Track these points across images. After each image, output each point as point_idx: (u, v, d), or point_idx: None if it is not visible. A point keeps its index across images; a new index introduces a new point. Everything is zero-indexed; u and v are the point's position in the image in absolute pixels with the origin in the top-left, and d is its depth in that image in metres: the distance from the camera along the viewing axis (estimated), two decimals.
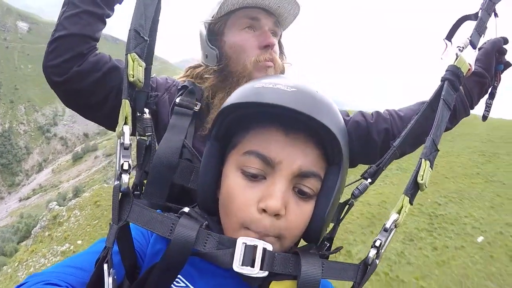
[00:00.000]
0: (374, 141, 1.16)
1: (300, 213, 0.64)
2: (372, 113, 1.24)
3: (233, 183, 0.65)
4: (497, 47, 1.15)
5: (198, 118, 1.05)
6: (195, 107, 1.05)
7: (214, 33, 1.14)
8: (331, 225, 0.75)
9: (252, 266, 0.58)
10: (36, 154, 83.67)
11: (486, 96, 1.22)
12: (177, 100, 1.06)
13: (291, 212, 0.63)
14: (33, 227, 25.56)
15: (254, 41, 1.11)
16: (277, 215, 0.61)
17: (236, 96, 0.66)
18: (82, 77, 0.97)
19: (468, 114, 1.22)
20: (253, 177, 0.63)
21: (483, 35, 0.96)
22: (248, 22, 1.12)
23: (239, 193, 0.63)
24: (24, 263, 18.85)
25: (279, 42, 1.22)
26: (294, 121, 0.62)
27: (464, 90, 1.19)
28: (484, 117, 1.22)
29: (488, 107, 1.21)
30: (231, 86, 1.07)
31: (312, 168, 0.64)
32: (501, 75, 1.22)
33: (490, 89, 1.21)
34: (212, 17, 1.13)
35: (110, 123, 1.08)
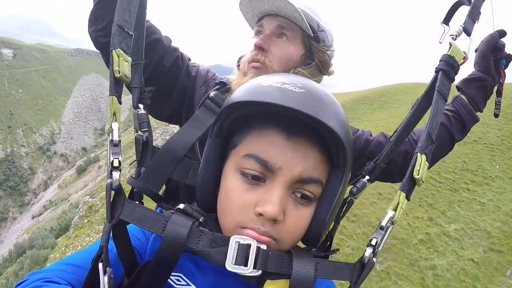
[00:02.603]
0: (395, 162, 1.16)
1: (299, 218, 0.63)
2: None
3: (232, 185, 0.63)
4: (492, 45, 1.12)
5: None
6: None
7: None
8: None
9: (246, 265, 0.57)
10: (41, 173, 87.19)
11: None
12: (211, 94, 1.05)
13: (289, 217, 0.62)
14: (66, 224, 29.80)
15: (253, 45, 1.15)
16: (274, 220, 0.60)
17: (242, 93, 0.64)
18: None
19: (477, 120, 1.22)
20: (252, 181, 0.62)
21: (477, 21, 0.91)
22: (257, 29, 1.18)
23: (237, 195, 0.62)
24: (71, 246, 23.03)
25: (310, 47, 1.16)
26: (298, 122, 0.60)
27: (468, 98, 1.20)
28: (496, 115, 1.19)
29: (497, 104, 1.19)
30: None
31: (313, 174, 0.62)
32: (505, 70, 1.18)
33: (496, 87, 1.19)
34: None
35: None
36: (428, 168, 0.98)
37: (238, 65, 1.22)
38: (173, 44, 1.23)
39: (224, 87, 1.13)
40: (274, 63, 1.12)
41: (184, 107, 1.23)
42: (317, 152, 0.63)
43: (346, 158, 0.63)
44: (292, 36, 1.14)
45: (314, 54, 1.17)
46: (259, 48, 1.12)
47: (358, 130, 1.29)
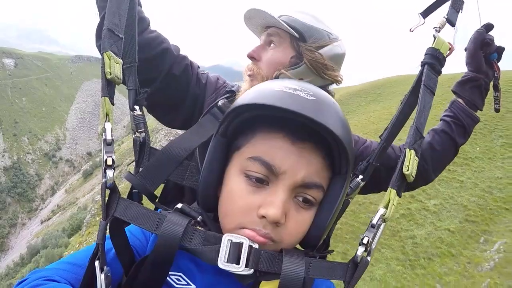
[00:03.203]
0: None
1: (300, 222, 0.64)
2: (399, 146, 1.25)
3: (236, 187, 0.64)
4: (479, 41, 1.11)
5: None
6: None
7: None
8: None
9: (238, 263, 0.58)
10: (47, 179, 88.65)
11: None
12: (220, 102, 1.07)
13: (290, 220, 0.62)
14: (77, 224, 30.98)
15: None
16: (276, 223, 0.61)
17: (255, 95, 0.64)
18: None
19: (477, 121, 1.22)
20: (256, 183, 0.62)
21: (460, 10, 0.90)
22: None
23: (241, 197, 0.63)
24: (84, 242, 24.03)
25: (298, 47, 1.17)
26: (305, 128, 0.61)
27: (465, 101, 1.20)
28: (496, 110, 1.18)
29: (496, 99, 1.17)
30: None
31: (316, 179, 0.63)
32: (498, 64, 1.15)
33: (492, 82, 1.17)
34: None
35: (152, 104, 1.14)
36: (436, 176, 1.21)
37: None
38: (181, 52, 1.25)
39: (233, 96, 1.15)
40: (262, 69, 1.17)
41: (195, 115, 1.24)
42: (320, 158, 0.64)
43: (349, 166, 0.64)
44: (279, 41, 1.18)
45: (302, 54, 1.17)
46: (250, 57, 1.20)
47: (366, 140, 1.28)
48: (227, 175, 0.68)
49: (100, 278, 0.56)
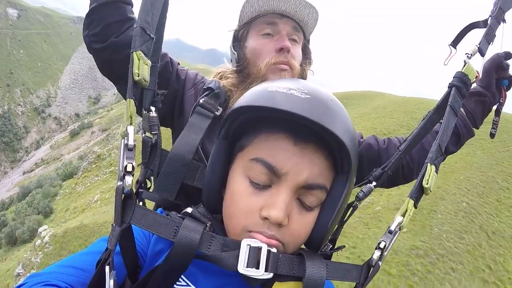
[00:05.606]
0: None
1: (303, 223, 0.63)
2: (384, 139, 1.26)
3: (238, 188, 0.64)
4: (496, 63, 1.13)
5: (217, 122, 1.03)
6: (216, 112, 1.04)
7: (238, 39, 1.22)
8: None
9: (257, 267, 0.58)
10: (34, 132, 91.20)
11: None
12: (201, 100, 1.05)
13: (294, 221, 0.62)
14: (70, 172, 35.00)
15: (271, 45, 1.14)
16: (279, 224, 0.60)
17: (248, 98, 0.64)
18: (118, 49, 0.98)
19: (472, 135, 1.21)
20: (258, 185, 0.62)
21: (491, 43, 0.93)
22: (266, 28, 1.15)
23: (243, 198, 0.63)
24: (80, 183, 28.17)
25: (305, 48, 1.23)
26: (304, 128, 0.60)
27: (466, 111, 1.18)
28: (492, 135, 1.18)
29: (494, 124, 1.17)
30: (247, 88, 1.06)
31: (318, 180, 0.62)
32: (506, 92, 1.17)
33: (496, 106, 1.18)
34: (237, 26, 1.22)
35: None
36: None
37: (239, 69, 1.21)
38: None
39: (213, 92, 1.10)
40: (296, 64, 1.16)
41: (175, 110, 1.22)
42: (323, 158, 0.63)
43: (351, 164, 0.62)
44: (300, 39, 1.21)
45: (307, 55, 1.27)
46: (287, 50, 1.13)
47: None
48: (230, 176, 0.68)
49: (109, 283, 0.55)
